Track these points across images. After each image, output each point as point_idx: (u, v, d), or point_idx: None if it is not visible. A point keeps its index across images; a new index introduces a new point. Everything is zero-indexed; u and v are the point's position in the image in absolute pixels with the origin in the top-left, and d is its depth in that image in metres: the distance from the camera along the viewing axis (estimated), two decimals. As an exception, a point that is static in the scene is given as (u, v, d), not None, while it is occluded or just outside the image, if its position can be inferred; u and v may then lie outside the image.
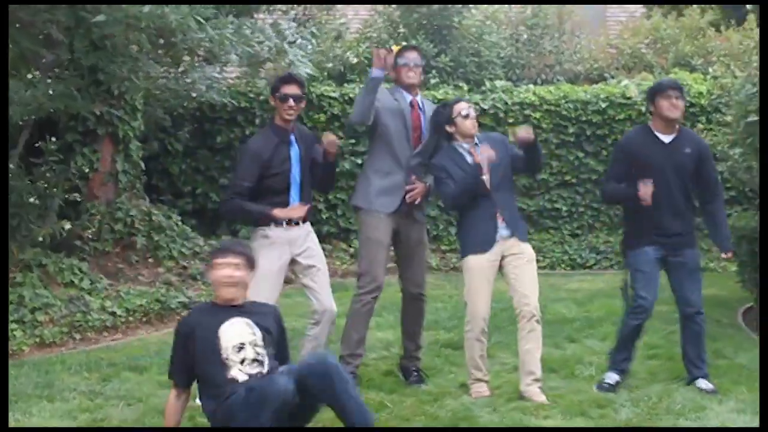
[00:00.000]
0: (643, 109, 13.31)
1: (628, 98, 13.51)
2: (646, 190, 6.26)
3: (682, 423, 5.55)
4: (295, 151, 6.41)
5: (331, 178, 6.74)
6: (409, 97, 6.69)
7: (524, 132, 6.32)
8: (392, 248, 6.78)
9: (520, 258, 6.34)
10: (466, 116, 6.42)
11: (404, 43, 6.87)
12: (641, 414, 5.78)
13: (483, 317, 6.32)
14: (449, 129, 6.46)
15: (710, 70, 13.65)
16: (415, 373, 6.75)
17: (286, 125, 6.43)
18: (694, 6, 16.73)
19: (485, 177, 6.30)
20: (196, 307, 5.18)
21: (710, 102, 13.26)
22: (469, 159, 6.36)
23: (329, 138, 6.45)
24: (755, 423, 5.47)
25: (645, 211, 6.36)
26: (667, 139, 6.47)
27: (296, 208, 6.37)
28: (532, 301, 6.26)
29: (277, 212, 6.30)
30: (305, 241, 6.46)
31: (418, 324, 6.87)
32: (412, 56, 6.73)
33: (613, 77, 15.16)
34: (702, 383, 6.37)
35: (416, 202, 6.56)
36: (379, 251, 6.57)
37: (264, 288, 6.18)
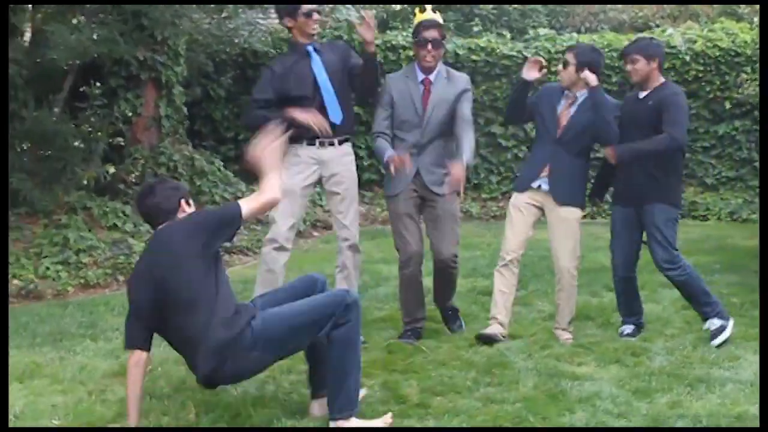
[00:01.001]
0: (688, 58, 13.20)
1: (673, 47, 13.36)
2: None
3: (716, 372, 5.57)
4: (316, 62, 6.23)
5: (372, 81, 6.39)
6: (421, 76, 6.39)
7: None
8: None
9: (556, 216, 6.33)
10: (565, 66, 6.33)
11: (427, 9, 6.42)
12: (675, 362, 5.81)
13: (507, 250, 6.37)
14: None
15: (756, 19, 13.46)
16: (453, 318, 6.75)
17: (306, 40, 6.27)
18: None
19: (560, 129, 6.32)
20: None
21: (755, 51, 13.08)
22: (558, 107, 6.36)
23: (365, 20, 6.21)
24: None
25: (616, 168, 6.44)
26: (642, 94, 6.39)
27: (316, 118, 6.07)
28: (561, 261, 6.34)
29: (293, 112, 6.04)
30: (338, 164, 6.33)
31: (442, 293, 6.66)
32: (431, 35, 6.29)
33: (657, 26, 15.01)
34: (707, 323, 6.34)
35: (459, 192, 6.32)
36: (401, 223, 6.41)
37: (285, 204, 6.11)
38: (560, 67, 6.40)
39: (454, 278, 6.64)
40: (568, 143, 6.33)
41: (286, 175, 6.15)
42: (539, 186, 6.37)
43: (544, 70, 6.35)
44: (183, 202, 4.76)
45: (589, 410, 4.91)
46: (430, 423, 4.73)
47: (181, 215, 4.72)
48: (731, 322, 6.33)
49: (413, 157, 6.26)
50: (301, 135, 6.15)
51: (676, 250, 6.35)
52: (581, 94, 6.32)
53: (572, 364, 5.80)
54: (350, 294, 4.74)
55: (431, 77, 6.38)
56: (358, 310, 4.67)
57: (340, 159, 6.36)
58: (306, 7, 6.21)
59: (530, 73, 6.31)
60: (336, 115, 6.23)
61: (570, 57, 6.32)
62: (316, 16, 6.24)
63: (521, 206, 6.40)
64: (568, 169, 6.35)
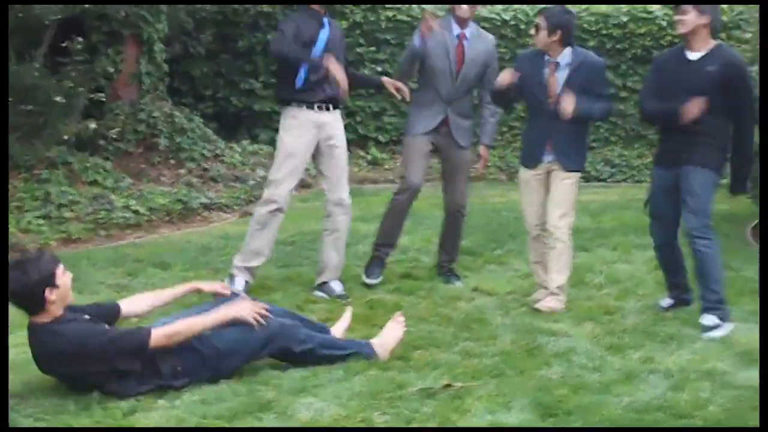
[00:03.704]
0: (665, 23, 13.32)
1: (650, 12, 13.50)
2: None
3: (687, 330, 5.72)
4: (324, 33, 6.41)
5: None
6: (457, 30, 6.64)
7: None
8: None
9: (557, 176, 6.31)
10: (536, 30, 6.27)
11: None
12: (647, 320, 5.97)
13: (529, 226, 6.45)
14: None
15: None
16: (449, 273, 7.03)
17: (320, 9, 6.49)
18: None
19: (551, 99, 6.22)
20: None
21: (731, 18, 13.22)
22: (544, 76, 6.24)
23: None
24: (756, 333, 5.56)
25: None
26: (692, 55, 5.87)
27: (337, 69, 6.29)
28: (552, 219, 6.25)
29: (330, 63, 6.26)
30: (333, 128, 6.59)
31: (453, 237, 7.05)
32: None
33: (635, -9, 15.10)
34: (703, 317, 5.83)
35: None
36: (415, 155, 6.75)
37: (286, 166, 6.41)
38: (532, 31, 6.35)
39: (462, 225, 7.05)
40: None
41: (287, 137, 6.32)
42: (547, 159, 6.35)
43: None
44: (47, 292, 4.37)
45: (564, 365, 5.05)
46: (411, 375, 4.84)
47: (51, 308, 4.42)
48: (729, 326, 5.75)
49: (445, 106, 6.71)
50: (305, 99, 6.45)
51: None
52: (562, 59, 6.22)
53: (548, 321, 5.94)
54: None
55: (467, 32, 6.68)
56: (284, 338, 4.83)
57: (335, 123, 6.62)
58: None
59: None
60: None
61: (541, 20, 6.20)
62: None
63: (531, 181, 6.38)
64: (569, 137, 6.26)
